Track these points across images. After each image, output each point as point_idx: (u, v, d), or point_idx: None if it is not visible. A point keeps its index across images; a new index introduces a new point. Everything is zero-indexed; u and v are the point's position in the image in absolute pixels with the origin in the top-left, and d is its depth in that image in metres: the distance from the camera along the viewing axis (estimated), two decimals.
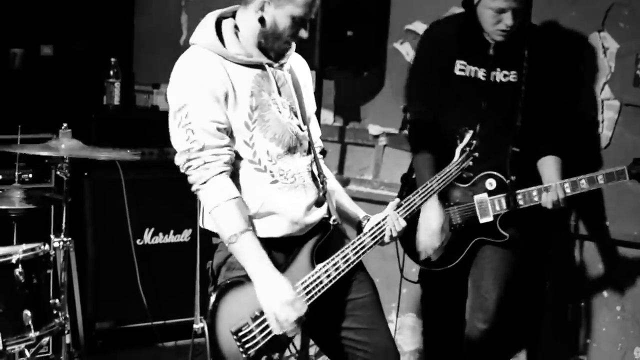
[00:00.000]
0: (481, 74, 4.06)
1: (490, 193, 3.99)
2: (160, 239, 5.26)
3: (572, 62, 4.57)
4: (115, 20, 6.51)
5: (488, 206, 4.03)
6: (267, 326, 3.02)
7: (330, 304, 3.15)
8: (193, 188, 3.06)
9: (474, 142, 3.48)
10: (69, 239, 4.27)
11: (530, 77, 4.02)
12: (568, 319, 4.68)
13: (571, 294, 4.68)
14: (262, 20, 3.05)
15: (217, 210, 3.02)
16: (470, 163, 3.45)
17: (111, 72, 5.38)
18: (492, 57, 4.06)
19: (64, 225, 4.27)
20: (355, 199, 3.48)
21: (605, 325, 4.58)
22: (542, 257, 4.67)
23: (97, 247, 5.10)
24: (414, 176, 4.20)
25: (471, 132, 3.47)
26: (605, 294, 4.57)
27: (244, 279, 3.04)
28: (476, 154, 3.47)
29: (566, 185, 3.92)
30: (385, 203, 3.36)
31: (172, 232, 5.30)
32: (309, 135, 3.23)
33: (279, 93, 3.13)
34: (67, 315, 4.18)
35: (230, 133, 3.04)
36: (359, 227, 3.32)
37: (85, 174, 5.02)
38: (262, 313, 3.02)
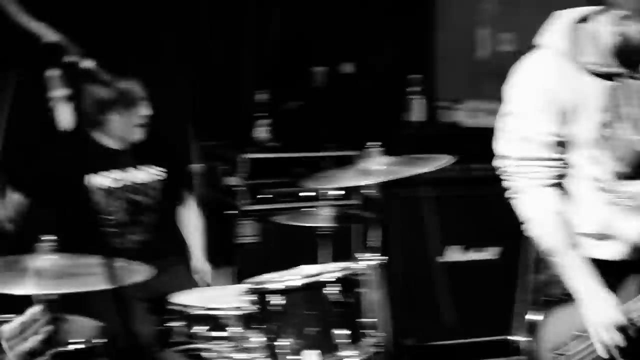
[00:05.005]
0: None
1: None
2: (464, 256, 5.25)
3: None
4: (415, 36, 6.53)
5: None
6: (587, 347, 2.90)
7: None
8: (507, 194, 2.99)
9: None
10: (380, 256, 4.24)
11: None
12: None
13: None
14: (622, 34, 2.81)
15: (536, 223, 2.93)
16: None
17: (415, 89, 5.39)
18: None
19: (373, 243, 4.28)
20: None
21: None
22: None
23: (403, 264, 5.12)
24: None
25: None
26: None
27: (567, 297, 2.94)
28: None
29: None
30: None
31: (476, 249, 5.26)
32: None
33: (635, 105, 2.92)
34: (379, 334, 4.19)
35: (564, 146, 2.91)
36: None
37: (391, 191, 5.05)
38: (583, 333, 2.91)
